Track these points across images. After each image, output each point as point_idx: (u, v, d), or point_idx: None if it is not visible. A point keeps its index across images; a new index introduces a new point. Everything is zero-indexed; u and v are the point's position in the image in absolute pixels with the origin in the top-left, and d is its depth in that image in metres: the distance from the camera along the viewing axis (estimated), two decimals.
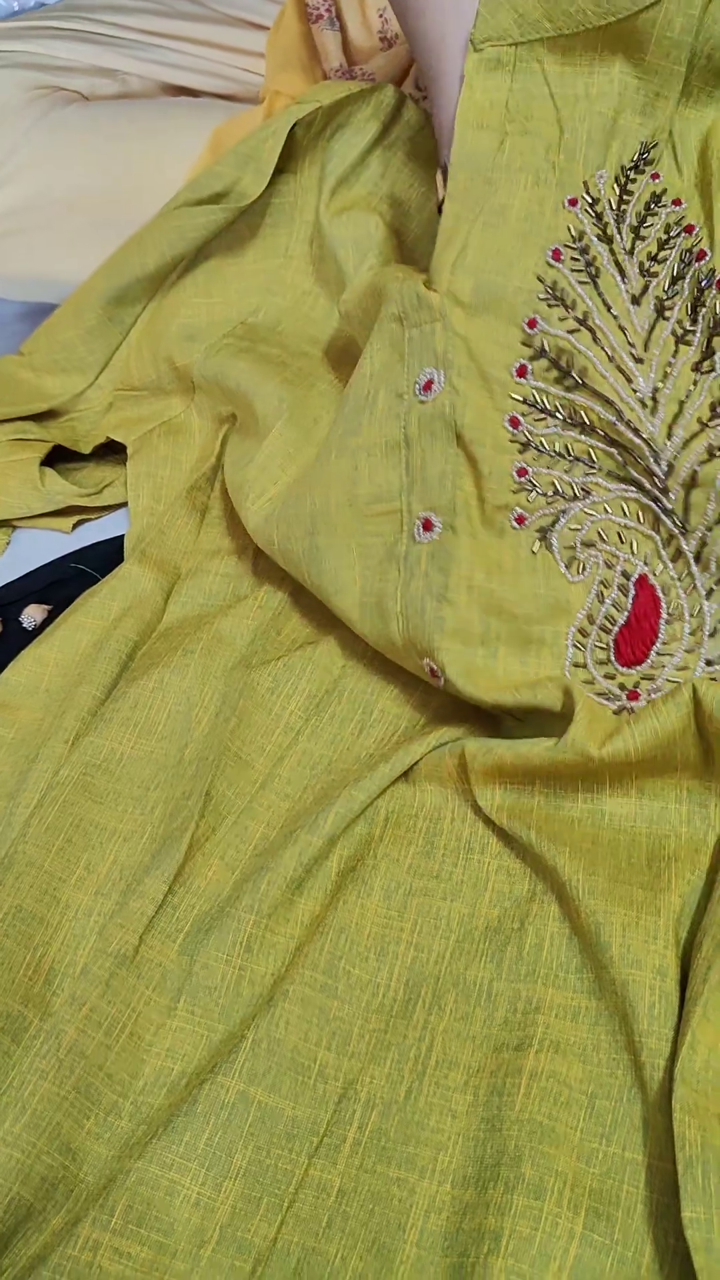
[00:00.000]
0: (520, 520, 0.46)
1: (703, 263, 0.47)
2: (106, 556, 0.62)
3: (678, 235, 0.48)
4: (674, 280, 0.47)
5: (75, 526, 0.66)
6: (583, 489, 0.45)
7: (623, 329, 0.47)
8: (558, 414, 0.46)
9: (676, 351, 0.46)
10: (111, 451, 0.69)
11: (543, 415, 0.47)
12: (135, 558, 0.59)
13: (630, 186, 0.48)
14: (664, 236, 0.48)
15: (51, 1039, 0.39)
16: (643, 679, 0.45)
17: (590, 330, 0.47)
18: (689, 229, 0.48)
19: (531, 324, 0.47)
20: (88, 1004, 0.40)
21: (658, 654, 0.44)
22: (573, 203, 0.48)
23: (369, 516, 0.50)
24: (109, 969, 0.41)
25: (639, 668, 0.45)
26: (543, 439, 0.46)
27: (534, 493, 0.46)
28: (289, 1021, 0.40)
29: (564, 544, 0.46)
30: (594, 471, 0.46)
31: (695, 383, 0.45)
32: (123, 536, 0.63)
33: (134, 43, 0.80)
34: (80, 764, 0.49)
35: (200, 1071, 0.39)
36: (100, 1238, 0.34)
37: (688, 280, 0.47)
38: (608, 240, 0.48)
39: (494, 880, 0.44)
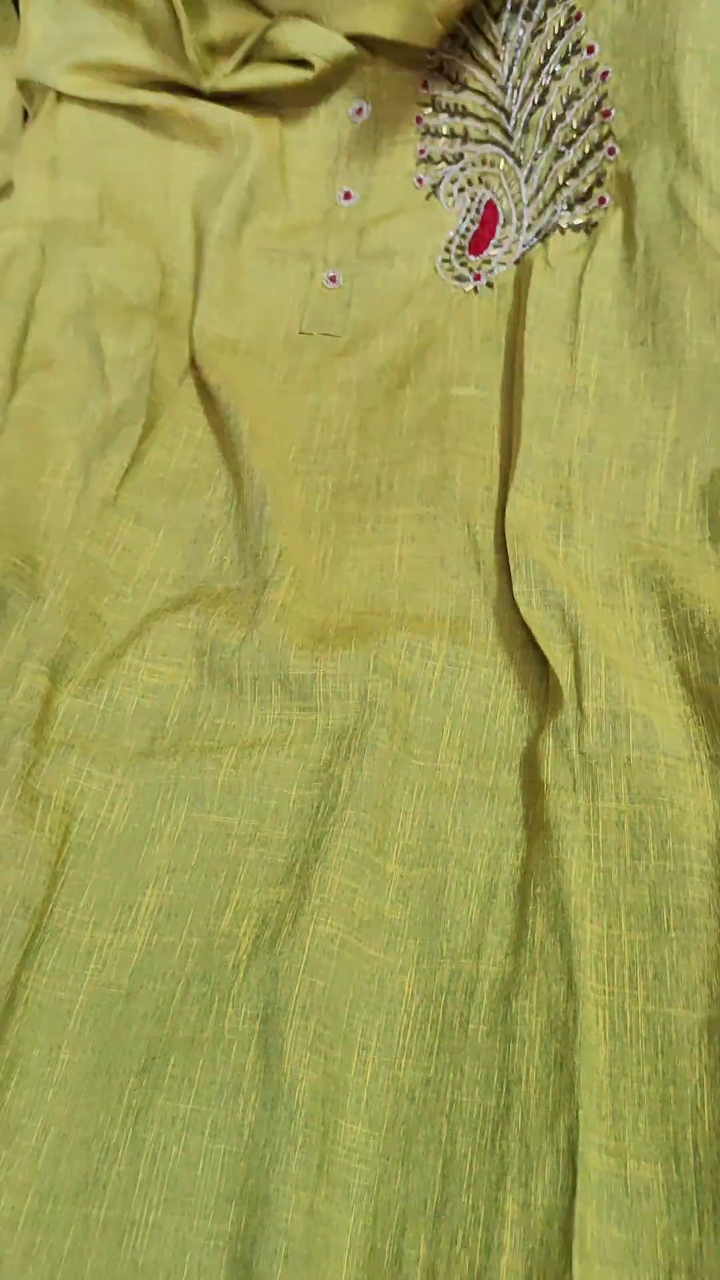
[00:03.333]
0: (420, 181, 0.65)
1: None
2: None
3: None
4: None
5: None
6: (457, 155, 0.64)
7: (490, 42, 0.62)
8: (449, 109, 0.64)
9: (530, 48, 0.60)
10: None
11: (438, 112, 0.64)
12: None
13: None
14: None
15: (57, 588, 0.45)
16: (483, 263, 0.63)
17: (470, 51, 0.62)
18: None
19: (432, 51, 0.63)
20: (80, 549, 0.46)
21: (493, 246, 0.63)
22: None
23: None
24: (96, 510, 0.48)
25: (480, 255, 0.63)
26: (439, 127, 0.64)
27: (429, 163, 0.65)
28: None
29: (445, 192, 0.64)
30: (465, 140, 0.64)
31: (528, 51, 0.60)
32: None
33: None
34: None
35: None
36: None
37: None
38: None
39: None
